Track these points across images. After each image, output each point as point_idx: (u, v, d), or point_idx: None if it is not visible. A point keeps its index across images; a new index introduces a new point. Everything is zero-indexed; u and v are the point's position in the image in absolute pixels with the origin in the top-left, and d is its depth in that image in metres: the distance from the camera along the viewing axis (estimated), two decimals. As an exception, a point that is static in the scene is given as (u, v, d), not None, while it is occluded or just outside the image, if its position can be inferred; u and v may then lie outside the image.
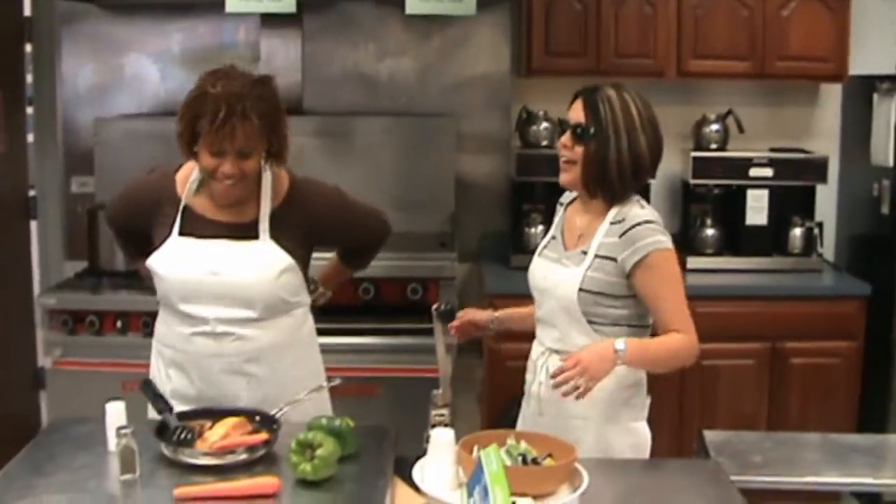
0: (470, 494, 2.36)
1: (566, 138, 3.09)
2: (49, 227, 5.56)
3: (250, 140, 2.98)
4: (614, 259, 3.00)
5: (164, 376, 3.19)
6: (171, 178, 3.20)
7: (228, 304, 3.08)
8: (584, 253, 3.04)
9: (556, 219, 3.28)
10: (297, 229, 3.16)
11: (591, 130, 3.03)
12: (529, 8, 5.08)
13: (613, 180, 3.02)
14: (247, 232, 3.11)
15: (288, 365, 3.19)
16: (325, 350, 3.52)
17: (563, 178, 3.13)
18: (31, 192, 5.46)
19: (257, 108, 2.96)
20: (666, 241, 3.02)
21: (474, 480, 2.37)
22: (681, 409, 4.93)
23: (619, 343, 2.83)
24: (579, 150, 3.05)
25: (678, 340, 2.95)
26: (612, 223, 3.03)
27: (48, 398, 4.94)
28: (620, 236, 3.00)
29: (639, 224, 2.99)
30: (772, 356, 4.93)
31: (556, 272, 3.06)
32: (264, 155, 3.09)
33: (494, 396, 4.89)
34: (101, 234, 4.95)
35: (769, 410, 4.94)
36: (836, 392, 4.94)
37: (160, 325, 3.26)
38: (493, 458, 2.34)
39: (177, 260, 3.10)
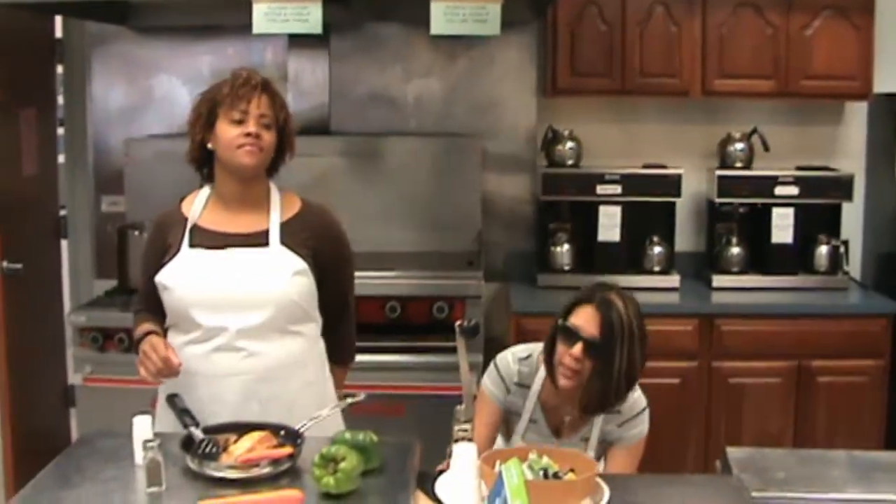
0: (491, 507, 2.39)
1: (578, 350, 3.12)
2: (79, 246, 5.64)
3: (269, 111, 3.11)
4: (610, 442, 3.31)
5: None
6: (176, 206, 3.26)
7: (243, 310, 3.10)
8: (585, 440, 3.29)
9: (529, 403, 3.35)
10: (305, 245, 3.19)
11: (603, 348, 3.10)
12: (555, 28, 5.11)
13: (611, 396, 3.15)
14: (257, 240, 3.16)
15: (297, 387, 3.19)
16: (351, 368, 3.58)
17: (567, 384, 3.18)
18: (62, 212, 5.54)
19: (271, 86, 3.15)
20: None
21: (494, 493, 2.39)
22: (707, 427, 4.94)
23: None
24: (588, 364, 3.12)
25: None
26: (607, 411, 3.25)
27: (78, 415, 4.99)
28: (620, 425, 3.30)
29: (638, 414, 3.32)
30: (798, 374, 4.91)
31: None
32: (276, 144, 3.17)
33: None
34: (130, 252, 5.00)
35: (795, 429, 4.93)
36: (862, 410, 4.92)
37: None
38: (514, 472, 2.37)
39: (188, 270, 3.12)
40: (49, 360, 5.21)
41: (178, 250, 3.16)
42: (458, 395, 2.92)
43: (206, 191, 3.25)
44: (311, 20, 4.12)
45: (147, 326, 3.17)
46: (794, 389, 4.92)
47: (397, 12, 5.25)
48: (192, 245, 3.16)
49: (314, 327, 3.29)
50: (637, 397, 3.31)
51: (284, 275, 3.13)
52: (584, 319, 3.14)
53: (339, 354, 3.44)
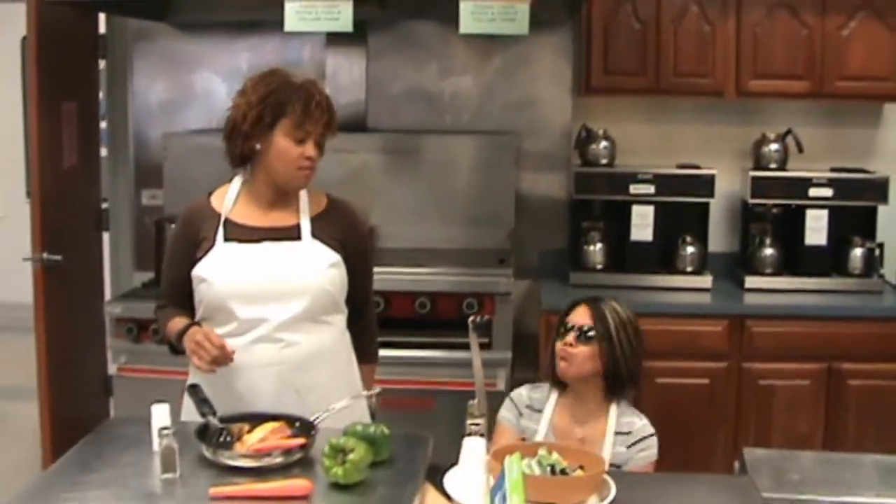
0: (492, 500, 2.42)
1: (571, 338, 3.51)
2: (120, 239, 5.72)
3: (325, 129, 3.18)
4: (619, 465, 3.45)
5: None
6: (205, 200, 3.31)
7: (282, 301, 3.16)
8: None
9: (542, 427, 3.54)
10: (335, 238, 3.26)
11: (594, 333, 3.50)
12: (589, 27, 5.12)
13: (623, 373, 3.53)
14: (289, 234, 3.22)
15: (329, 376, 3.25)
16: (381, 363, 3.63)
17: (563, 367, 3.53)
18: (104, 205, 5.62)
19: (334, 106, 3.22)
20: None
21: (497, 487, 2.43)
22: (736, 429, 4.92)
23: None
24: (584, 349, 3.50)
25: None
26: (617, 433, 3.51)
27: (115, 404, 5.08)
28: (629, 447, 3.50)
29: (646, 437, 3.53)
30: (828, 377, 4.88)
31: None
32: None
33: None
34: (167, 245, 5.08)
35: (825, 431, 4.90)
36: (893, 414, 4.87)
37: None
38: (515, 467, 2.40)
39: (225, 263, 3.18)
40: (89, 351, 5.27)
41: (213, 244, 3.21)
42: (487, 391, 2.96)
43: (235, 186, 3.30)
44: (342, 18, 4.17)
45: (185, 320, 3.23)
46: (825, 392, 4.89)
47: (433, 10, 5.26)
48: (226, 239, 3.21)
49: (342, 318, 3.36)
50: (644, 424, 3.54)
51: (320, 266, 3.20)
52: (578, 315, 3.54)
53: (363, 353, 3.47)
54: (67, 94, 5.07)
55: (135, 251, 5.71)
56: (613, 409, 3.54)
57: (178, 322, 3.25)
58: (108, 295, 5.50)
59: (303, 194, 3.29)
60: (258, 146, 3.16)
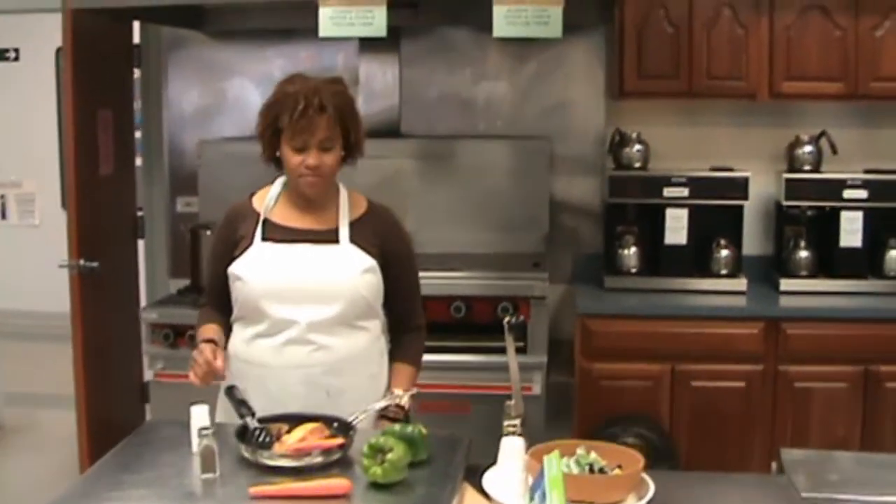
0: (532, 498, 2.43)
1: None
2: (155, 246, 5.77)
3: (329, 132, 3.12)
4: None
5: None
6: (247, 200, 3.33)
7: (315, 303, 3.16)
8: None
9: None
10: (373, 243, 3.25)
11: None
12: (622, 31, 5.11)
13: None
14: (327, 237, 3.22)
15: (361, 380, 3.25)
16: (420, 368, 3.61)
17: None
18: (139, 212, 5.66)
19: (333, 100, 3.12)
20: None
21: (536, 485, 2.43)
22: (773, 431, 4.90)
23: None
24: None
25: None
26: None
27: (152, 410, 5.11)
28: None
29: None
30: (865, 379, 4.85)
31: None
32: (343, 152, 3.21)
33: (586, 416, 4.93)
34: (202, 252, 5.11)
35: (862, 434, 4.86)
36: (931, 416, 4.87)
37: (240, 345, 3.28)
38: (554, 464, 2.40)
39: (261, 263, 3.19)
40: (125, 357, 5.30)
41: (250, 243, 3.23)
42: (523, 395, 2.96)
43: (277, 186, 3.32)
44: (376, 23, 4.20)
45: (207, 334, 3.24)
46: (861, 394, 4.86)
47: (466, 16, 5.29)
48: (264, 238, 3.23)
49: (378, 324, 3.36)
50: None
51: (355, 271, 3.20)
52: None
53: (405, 354, 3.44)
54: (103, 103, 5.11)
55: (170, 258, 5.75)
56: None
57: (204, 331, 3.28)
58: (143, 302, 5.54)
59: (343, 197, 3.30)
60: (277, 153, 3.19)
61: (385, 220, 3.36)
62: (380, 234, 3.29)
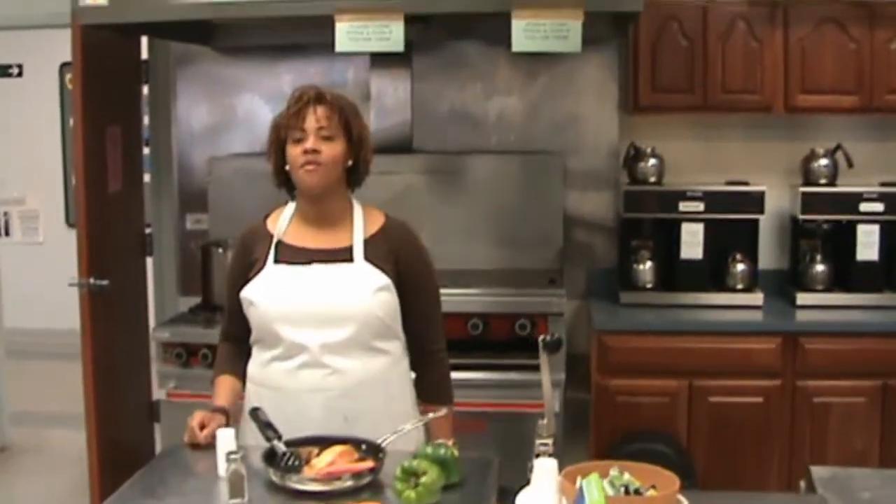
0: (571, 522, 2.38)
1: None
2: (164, 263, 5.72)
3: (328, 122, 3.10)
4: None
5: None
6: (261, 222, 3.30)
7: (326, 326, 3.11)
8: None
9: None
10: (388, 260, 3.19)
11: None
12: (636, 45, 5.10)
13: None
14: (341, 256, 3.17)
15: (380, 403, 3.19)
16: (452, 408, 3.54)
17: None
18: (147, 230, 5.62)
19: (331, 93, 3.15)
20: None
21: (576, 508, 2.38)
22: (791, 446, 4.87)
23: None
24: None
25: None
26: None
27: (162, 429, 5.06)
28: None
29: None
30: (884, 394, 4.82)
31: None
32: (349, 156, 3.17)
33: (603, 432, 4.90)
34: (213, 269, 5.08)
35: (881, 448, 4.83)
36: (950, 431, 4.83)
37: (257, 368, 3.26)
38: (595, 487, 2.36)
39: (273, 286, 3.15)
40: (134, 376, 5.26)
41: (263, 266, 3.19)
42: (538, 413, 2.92)
43: (290, 207, 3.28)
44: (393, 38, 4.15)
45: (218, 401, 3.25)
46: (880, 409, 4.83)
47: (478, 31, 5.28)
48: (276, 261, 3.19)
49: (399, 345, 3.28)
50: None
51: (367, 291, 3.14)
52: None
53: (431, 393, 3.36)
54: (111, 119, 5.06)
55: (180, 276, 5.70)
56: None
57: (217, 394, 3.30)
58: (152, 320, 5.49)
59: (358, 214, 3.25)
60: (286, 166, 3.15)
61: (400, 236, 3.28)
62: (395, 251, 3.22)
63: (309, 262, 3.17)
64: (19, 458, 6.53)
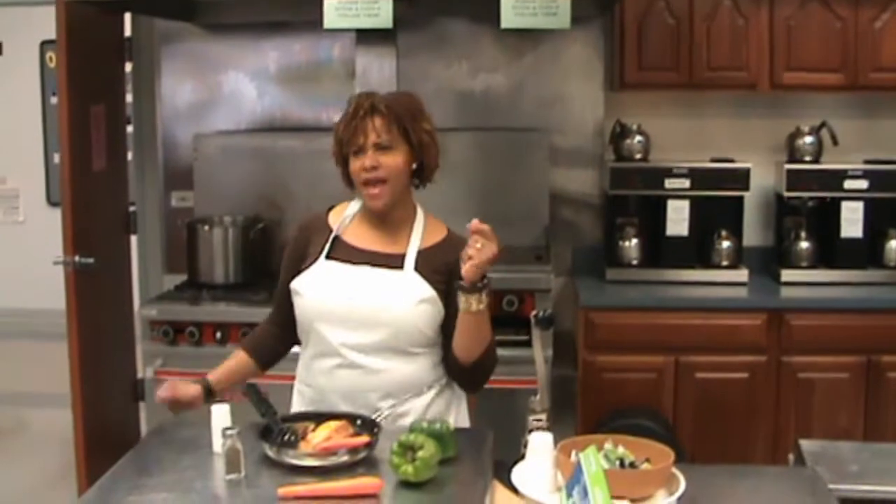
0: (569, 496, 2.39)
1: None
2: (149, 242, 5.70)
3: (385, 133, 3.05)
4: None
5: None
6: (323, 214, 3.27)
7: (359, 328, 3.08)
8: None
9: None
10: (440, 272, 3.13)
11: None
12: (622, 22, 5.11)
13: None
14: (392, 262, 3.13)
15: (418, 404, 3.17)
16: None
17: None
18: (131, 208, 5.59)
19: (387, 101, 3.09)
20: None
21: (573, 482, 2.40)
22: (776, 422, 4.91)
23: None
24: None
25: None
26: None
27: (147, 407, 5.05)
28: None
29: None
30: (867, 370, 4.87)
31: None
32: (412, 162, 3.13)
33: (589, 408, 4.93)
34: (199, 247, 5.08)
35: (865, 424, 4.88)
36: (934, 406, 4.87)
37: (302, 366, 3.26)
38: (593, 460, 2.37)
39: (320, 281, 3.13)
40: (119, 355, 5.24)
41: (315, 259, 3.17)
42: (527, 389, 2.94)
43: (355, 204, 3.25)
44: (382, 15, 4.15)
45: (214, 373, 3.26)
46: (864, 385, 4.88)
47: (464, 8, 5.26)
48: (329, 257, 3.16)
49: (435, 350, 3.21)
50: None
51: (410, 301, 3.09)
52: None
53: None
54: (95, 98, 5.03)
55: (165, 254, 5.68)
56: None
57: (224, 361, 3.31)
58: (136, 299, 5.48)
59: (419, 223, 3.20)
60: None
61: (457, 247, 3.09)
62: (450, 266, 3.11)
63: (359, 263, 3.14)
64: (3, 440, 6.50)
